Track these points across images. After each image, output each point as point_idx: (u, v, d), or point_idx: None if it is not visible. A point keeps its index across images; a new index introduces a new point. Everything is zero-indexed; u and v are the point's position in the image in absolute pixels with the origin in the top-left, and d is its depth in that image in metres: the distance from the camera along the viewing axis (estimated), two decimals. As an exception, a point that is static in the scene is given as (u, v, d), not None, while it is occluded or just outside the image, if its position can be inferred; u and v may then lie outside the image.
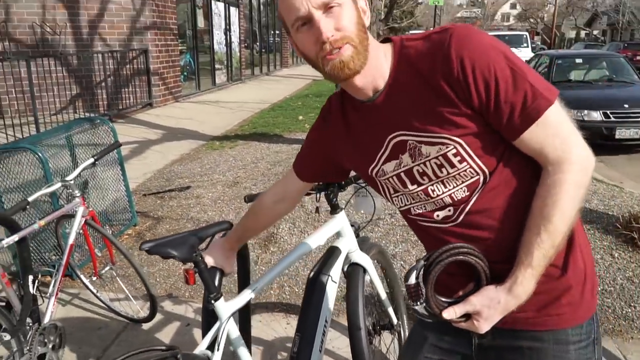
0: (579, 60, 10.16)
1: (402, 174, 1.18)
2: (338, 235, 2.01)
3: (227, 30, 15.52)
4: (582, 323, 1.16)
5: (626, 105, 7.95)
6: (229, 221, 1.75)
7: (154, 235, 4.19)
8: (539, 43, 46.54)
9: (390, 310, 2.27)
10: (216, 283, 1.66)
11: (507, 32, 24.47)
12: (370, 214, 2.16)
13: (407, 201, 1.23)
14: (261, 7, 20.21)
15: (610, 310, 3.02)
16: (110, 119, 9.03)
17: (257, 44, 19.84)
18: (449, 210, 1.16)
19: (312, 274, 1.85)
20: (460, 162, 1.10)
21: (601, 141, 7.71)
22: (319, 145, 1.37)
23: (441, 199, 1.16)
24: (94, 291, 3.18)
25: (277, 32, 22.94)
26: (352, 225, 2.08)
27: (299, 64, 26.57)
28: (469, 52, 1.03)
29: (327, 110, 1.32)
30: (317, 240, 1.90)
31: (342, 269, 2.01)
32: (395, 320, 2.27)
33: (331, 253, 1.93)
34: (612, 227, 3.93)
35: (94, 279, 3.13)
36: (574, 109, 7.97)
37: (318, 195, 2.00)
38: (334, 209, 1.99)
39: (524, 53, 17.47)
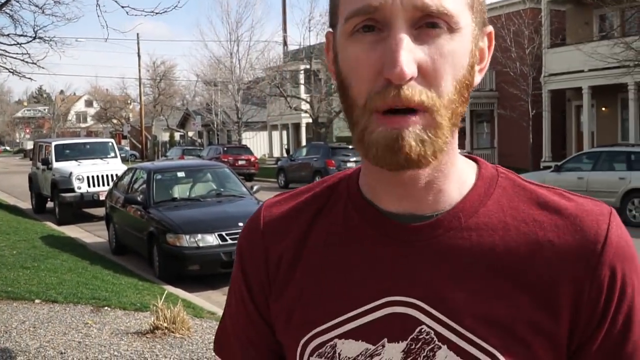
0: (181, 174, 9.38)
1: None
2: None
3: None
4: None
5: (240, 224, 7.15)
6: None
7: None
8: (128, 149, 43.21)
9: None
10: None
11: (87, 139, 19.87)
12: None
13: None
14: None
15: None
16: None
17: None
18: None
19: None
20: None
21: (223, 270, 7.01)
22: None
23: None
24: None
25: None
26: None
27: None
28: (629, 271, 0.69)
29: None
30: None
31: None
32: None
33: None
34: None
35: None
36: (186, 234, 7.20)
37: None
38: None
39: (113, 165, 13.77)
